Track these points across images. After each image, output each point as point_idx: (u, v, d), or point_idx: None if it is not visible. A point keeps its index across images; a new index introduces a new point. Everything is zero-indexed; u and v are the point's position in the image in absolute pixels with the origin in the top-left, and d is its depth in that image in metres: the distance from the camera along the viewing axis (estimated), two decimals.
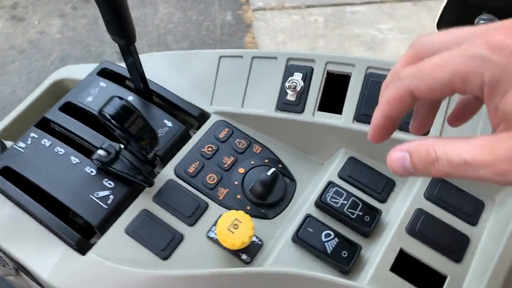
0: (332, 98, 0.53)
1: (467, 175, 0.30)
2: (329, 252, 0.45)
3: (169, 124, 0.55)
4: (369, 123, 0.51)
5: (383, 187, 0.50)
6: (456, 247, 0.44)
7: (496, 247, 0.42)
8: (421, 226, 0.45)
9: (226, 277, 0.44)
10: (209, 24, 1.91)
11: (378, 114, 0.36)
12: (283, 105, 0.54)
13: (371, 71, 0.52)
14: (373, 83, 0.51)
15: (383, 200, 0.50)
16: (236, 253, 0.48)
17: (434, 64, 0.30)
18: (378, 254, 0.45)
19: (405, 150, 0.33)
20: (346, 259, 0.45)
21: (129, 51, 0.50)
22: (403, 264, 0.44)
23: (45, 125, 0.56)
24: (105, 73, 0.60)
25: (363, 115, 0.51)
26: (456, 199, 0.47)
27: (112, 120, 0.42)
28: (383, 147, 0.51)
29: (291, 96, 0.54)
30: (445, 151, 0.31)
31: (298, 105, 0.53)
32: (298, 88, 0.53)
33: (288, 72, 0.54)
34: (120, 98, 0.43)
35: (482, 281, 0.41)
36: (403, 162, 0.33)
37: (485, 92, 0.29)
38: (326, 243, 0.45)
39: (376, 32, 1.86)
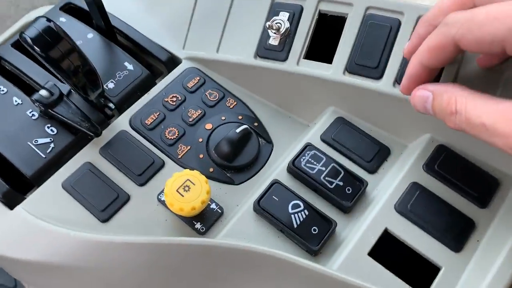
0: (323, 45, 0.44)
1: (481, 137, 0.30)
2: (295, 226, 0.36)
3: (130, 67, 0.47)
4: (364, 76, 0.42)
5: (374, 155, 0.41)
6: (456, 232, 0.35)
7: (507, 236, 0.33)
8: (415, 204, 0.36)
9: (165, 247, 0.36)
10: None
11: (415, 61, 0.34)
12: (263, 50, 0.45)
13: (372, 12, 0.42)
14: (372, 27, 0.42)
15: (372, 171, 0.40)
16: (189, 220, 0.40)
17: (491, 15, 0.28)
18: (356, 234, 0.36)
19: (430, 90, 0.33)
20: (315, 236, 0.36)
21: None
22: (387, 249, 0.35)
23: None
24: (70, 9, 0.53)
25: (357, 65, 0.41)
26: (465, 175, 0.38)
27: (34, 46, 0.34)
28: (379, 108, 0.42)
29: (273, 40, 0.44)
30: (466, 106, 0.30)
31: (281, 52, 0.44)
32: (282, 30, 0.44)
33: (273, 11, 0.45)
34: (49, 20, 0.35)
35: (485, 277, 0.32)
36: (425, 102, 0.33)
37: None
38: (293, 215, 0.37)
39: None
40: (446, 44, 0.31)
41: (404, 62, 0.40)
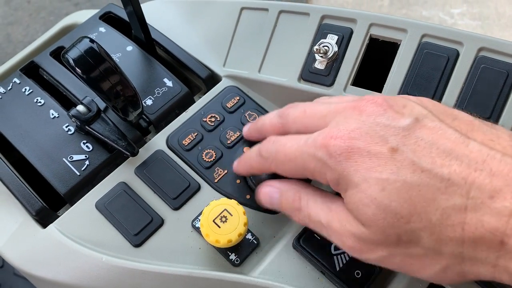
0: (372, 71, 0.42)
1: (322, 233, 0.33)
2: (337, 268, 0.34)
3: (169, 83, 0.45)
4: None
5: None
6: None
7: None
8: None
9: (200, 280, 0.35)
10: None
11: (242, 170, 0.39)
12: (308, 74, 0.43)
13: (428, 40, 0.39)
14: (428, 56, 0.39)
15: None
16: (224, 251, 0.38)
17: (287, 156, 0.33)
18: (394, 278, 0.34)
19: (277, 187, 0.36)
20: (358, 281, 0.34)
21: None
22: None
23: (33, 71, 0.48)
24: (109, 18, 0.52)
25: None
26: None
27: (76, 68, 0.33)
28: None
29: (320, 64, 0.42)
30: (308, 204, 0.33)
31: (327, 76, 0.42)
32: (330, 54, 0.42)
33: (321, 33, 0.43)
34: (92, 40, 0.34)
35: None
36: (272, 198, 0.36)
37: (331, 187, 0.31)
38: (335, 257, 0.35)
39: (446, 16, 1.68)
40: (264, 170, 0.36)
41: (461, 98, 0.37)
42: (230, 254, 0.38)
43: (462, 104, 0.37)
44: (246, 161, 0.38)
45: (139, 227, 0.39)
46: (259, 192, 0.37)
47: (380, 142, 0.29)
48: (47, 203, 0.41)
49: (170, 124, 0.44)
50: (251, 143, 0.43)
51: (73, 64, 0.33)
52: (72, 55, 0.33)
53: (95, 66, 0.33)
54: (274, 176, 0.37)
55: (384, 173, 0.28)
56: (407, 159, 0.27)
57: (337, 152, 0.29)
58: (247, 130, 0.41)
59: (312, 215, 0.33)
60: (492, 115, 0.36)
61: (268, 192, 0.36)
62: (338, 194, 0.32)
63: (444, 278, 0.28)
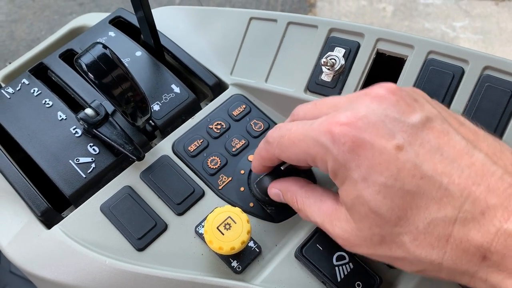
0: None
1: (324, 230, 0.33)
2: (339, 279, 0.35)
3: (177, 90, 0.46)
4: None
5: None
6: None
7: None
8: None
9: (202, 286, 0.35)
10: None
11: (256, 163, 0.39)
12: (315, 85, 0.43)
13: (433, 57, 0.40)
14: (433, 73, 0.40)
15: None
16: (226, 258, 0.39)
17: (291, 139, 0.33)
18: None
19: (278, 188, 0.37)
20: None
21: None
22: None
23: (42, 72, 0.49)
24: (119, 23, 0.52)
25: None
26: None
27: (89, 73, 0.33)
28: None
29: (326, 76, 0.43)
30: (303, 205, 0.35)
31: (334, 88, 0.43)
32: (337, 67, 0.42)
33: (328, 45, 0.44)
34: (105, 46, 0.34)
35: None
36: (279, 197, 0.37)
37: (330, 175, 0.31)
38: (337, 268, 0.35)
39: (448, 29, 1.69)
40: (270, 157, 0.36)
41: (465, 115, 0.38)
42: (232, 261, 0.38)
43: None
44: (257, 153, 0.38)
45: (143, 231, 0.39)
46: (269, 193, 0.38)
47: (386, 136, 0.28)
48: (52, 204, 0.41)
49: (176, 130, 0.45)
50: None
51: (86, 69, 0.33)
52: (85, 60, 0.33)
53: (107, 72, 0.34)
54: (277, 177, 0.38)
55: (383, 175, 0.27)
56: (410, 161, 0.27)
57: (341, 140, 0.28)
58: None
59: (309, 216, 0.34)
60: (495, 133, 0.37)
61: (274, 193, 0.38)
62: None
63: (424, 275, 0.29)
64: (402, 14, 1.74)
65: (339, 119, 0.29)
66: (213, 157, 0.43)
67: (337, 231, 0.31)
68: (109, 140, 0.41)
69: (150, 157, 0.43)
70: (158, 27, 0.48)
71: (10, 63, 0.57)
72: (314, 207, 0.34)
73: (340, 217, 0.31)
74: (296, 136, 0.32)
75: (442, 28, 1.71)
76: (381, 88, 0.30)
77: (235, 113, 0.46)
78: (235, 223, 0.37)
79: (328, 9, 1.76)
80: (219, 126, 0.45)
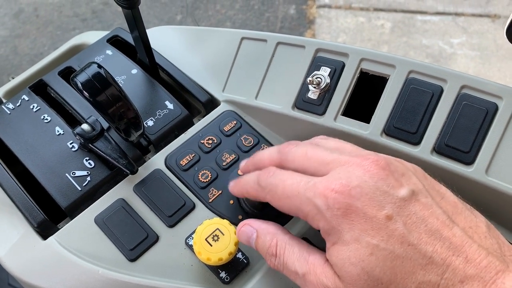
0: (361, 103, 0.44)
1: (296, 282, 0.34)
2: None
3: (170, 106, 0.48)
4: (402, 140, 0.41)
5: None
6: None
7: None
8: None
9: None
10: (270, 15, 1.84)
11: (238, 192, 0.40)
12: (302, 103, 0.45)
13: (414, 76, 0.42)
14: (414, 91, 0.42)
15: None
16: (215, 268, 0.40)
17: (285, 193, 0.34)
18: None
19: (255, 228, 0.37)
20: None
21: (131, 16, 0.44)
22: None
23: (41, 89, 0.51)
24: (116, 41, 0.54)
25: (395, 128, 0.41)
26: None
27: (84, 91, 0.35)
28: None
29: (313, 94, 0.45)
30: (284, 252, 0.34)
31: (319, 106, 0.45)
32: (323, 85, 0.44)
33: (315, 65, 0.46)
34: (99, 66, 0.36)
35: None
36: (250, 237, 0.37)
37: (321, 233, 0.33)
38: None
39: (446, 45, 1.71)
40: (258, 197, 0.37)
41: (443, 132, 0.40)
42: (220, 272, 0.40)
43: (444, 137, 0.40)
44: (243, 185, 0.39)
45: (135, 243, 0.41)
46: (238, 229, 0.38)
47: (377, 207, 0.30)
48: (48, 215, 0.43)
49: (169, 145, 0.46)
50: None
51: (81, 88, 0.35)
52: (80, 79, 0.35)
53: (101, 90, 0.36)
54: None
55: (375, 238, 0.30)
56: (398, 229, 0.30)
57: (335, 206, 0.31)
58: (244, 164, 0.41)
59: (288, 264, 0.34)
60: (472, 149, 0.39)
61: (246, 231, 0.37)
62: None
63: None
64: (400, 31, 1.77)
65: (334, 187, 0.31)
66: (204, 171, 0.45)
67: (324, 282, 0.32)
68: (104, 155, 0.43)
69: (144, 171, 0.45)
70: (153, 46, 0.50)
71: (13, 78, 0.59)
72: (297, 255, 0.34)
73: (327, 275, 0.32)
74: (291, 191, 0.33)
75: (440, 44, 1.73)
76: (373, 163, 0.32)
77: (226, 128, 0.47)
78: (223, 234, 0.38)
79: (327, 25, 1.79)
80: (210, 141, 0.47)
